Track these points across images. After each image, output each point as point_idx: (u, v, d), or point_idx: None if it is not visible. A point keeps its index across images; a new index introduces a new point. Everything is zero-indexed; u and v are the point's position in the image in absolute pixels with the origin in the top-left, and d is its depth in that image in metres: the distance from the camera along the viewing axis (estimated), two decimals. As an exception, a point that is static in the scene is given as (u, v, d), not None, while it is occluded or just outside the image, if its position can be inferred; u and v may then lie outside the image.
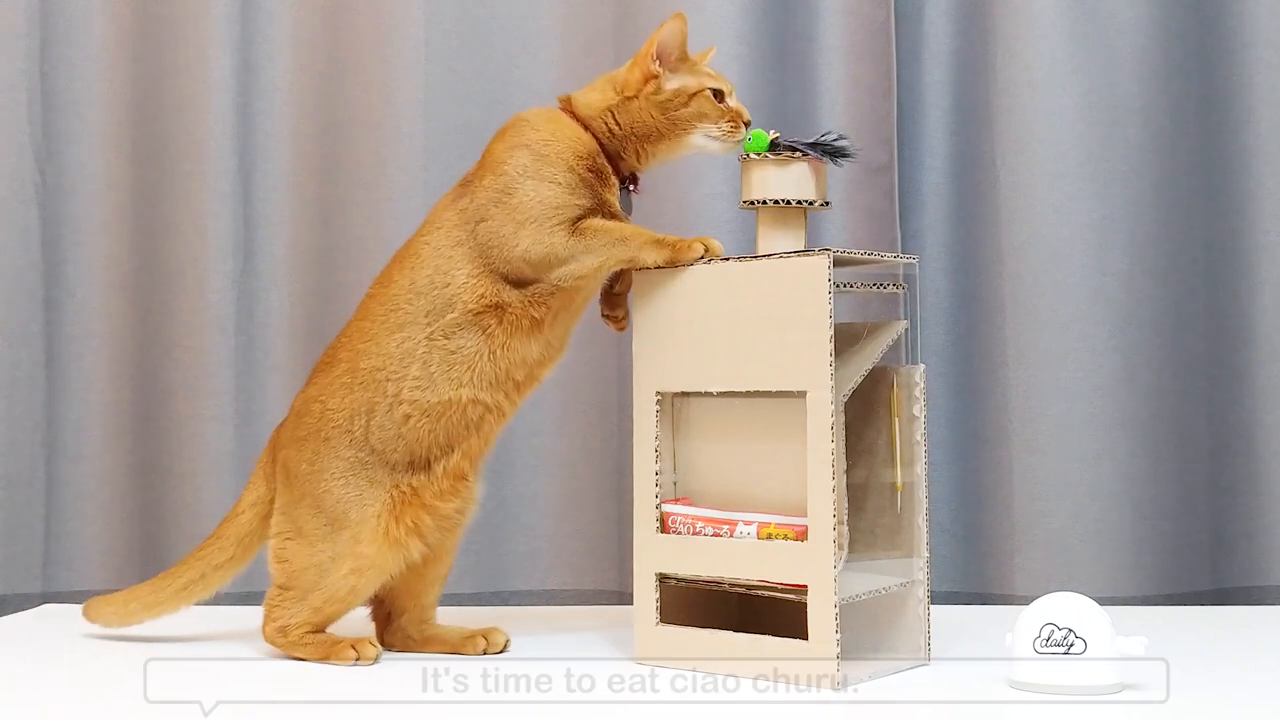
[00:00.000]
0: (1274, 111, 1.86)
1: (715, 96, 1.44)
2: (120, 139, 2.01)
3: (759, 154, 1.41)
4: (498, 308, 1.42)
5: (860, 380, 1.36)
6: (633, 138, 1.45)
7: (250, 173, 1.98)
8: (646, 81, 1.44)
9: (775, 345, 1.34)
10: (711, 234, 1.85)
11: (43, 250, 2.01)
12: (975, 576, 1.90)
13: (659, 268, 1.41)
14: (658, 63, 1.44)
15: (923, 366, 1.42)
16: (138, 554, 1.98)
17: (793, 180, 1.40)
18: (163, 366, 1.98)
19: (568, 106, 1.48)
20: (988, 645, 1.45)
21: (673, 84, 1.44)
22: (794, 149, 1.40)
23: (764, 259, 1.37)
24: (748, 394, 1.39)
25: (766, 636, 1.35)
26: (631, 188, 1.48)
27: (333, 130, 1.98)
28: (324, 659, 1.43)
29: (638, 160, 1.47)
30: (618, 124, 1.45)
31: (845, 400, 1.35)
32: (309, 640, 1.45)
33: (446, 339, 1.42)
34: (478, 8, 1.98)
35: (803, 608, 1.32)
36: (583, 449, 1.95)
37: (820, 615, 1.30)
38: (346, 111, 1.98)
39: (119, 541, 1.99)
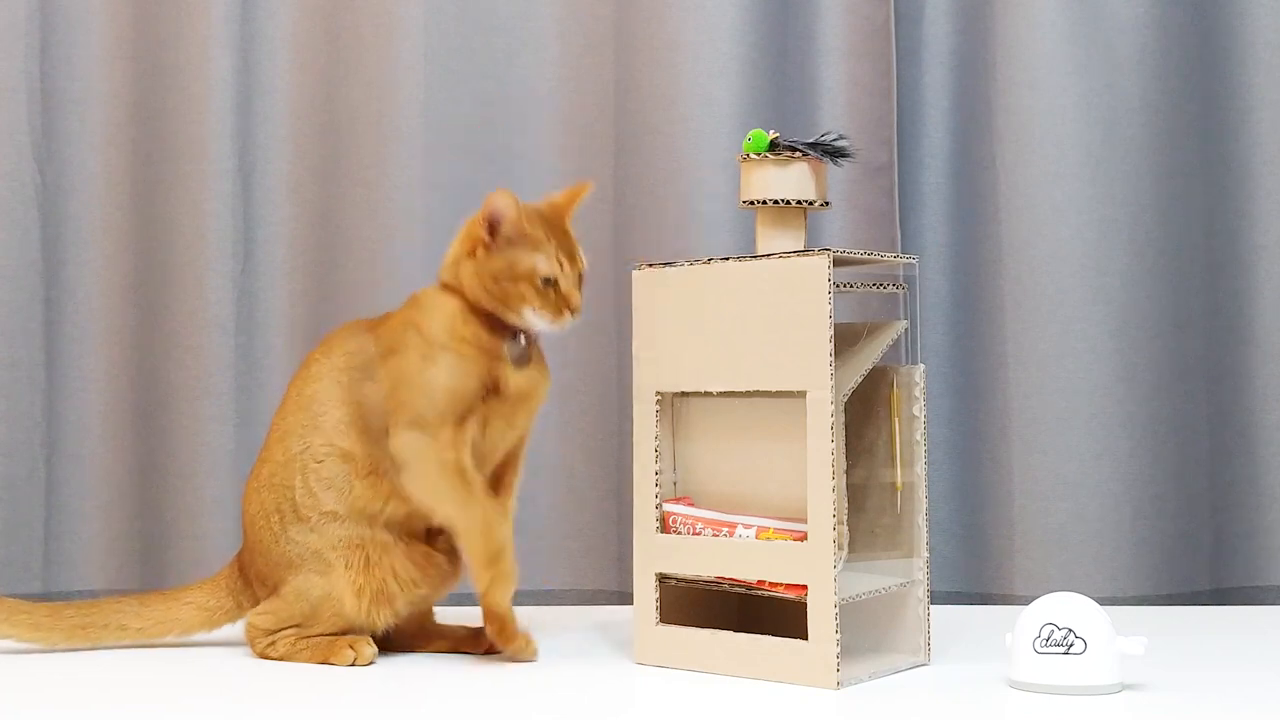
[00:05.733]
0: (1273, 112, 1.86)
1: (545, 283, 1.39)
2: (120, 139, 2.00)
3: (759, 154, 1.41)
4: (348, 455, 1.42)
5: (860, 380, 1.36)
6: (480, 298, 1.41)
7: (250, 172, 1.97)
8: (475, 248, 1.40)
9: (775, 345, 1.34)
10: (708, 233, 1.88)
11: (42, 250, 2.00)
12: (975, 576, 1.90)
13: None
14: (486, 230, 1.40)
15: (923, 366, 1.42)
16: (137, 554, 1.98)
17: (792, 180, 1.40)
18: (163, 366, 1.98)
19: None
20: (988, 645, 1.45)
21: (501, 259, 1.39)
22: (794, 149, 1.39)
23: (763, 259, 1.37)
24: (748, 394, 1.39)
25: (766, 636, 1.35)
26: (523, 338, 1.43)
27: (333, 130, 1.98)
28: (323, 661, 1.42)
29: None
30: (461, 283, 1.41)
31: (845, 400, 1.35)
32: (302, 646, 1.44)
33: (317, 462, 1.43)
34: (477, 8, 1.98)
35: (803, 608, 1.32)
36: (583, 449, 1.95)
37: (820, 615, 1.30)
38: (346, 111, 1.98)
39: (119, 541, 1.98)
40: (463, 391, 1.39)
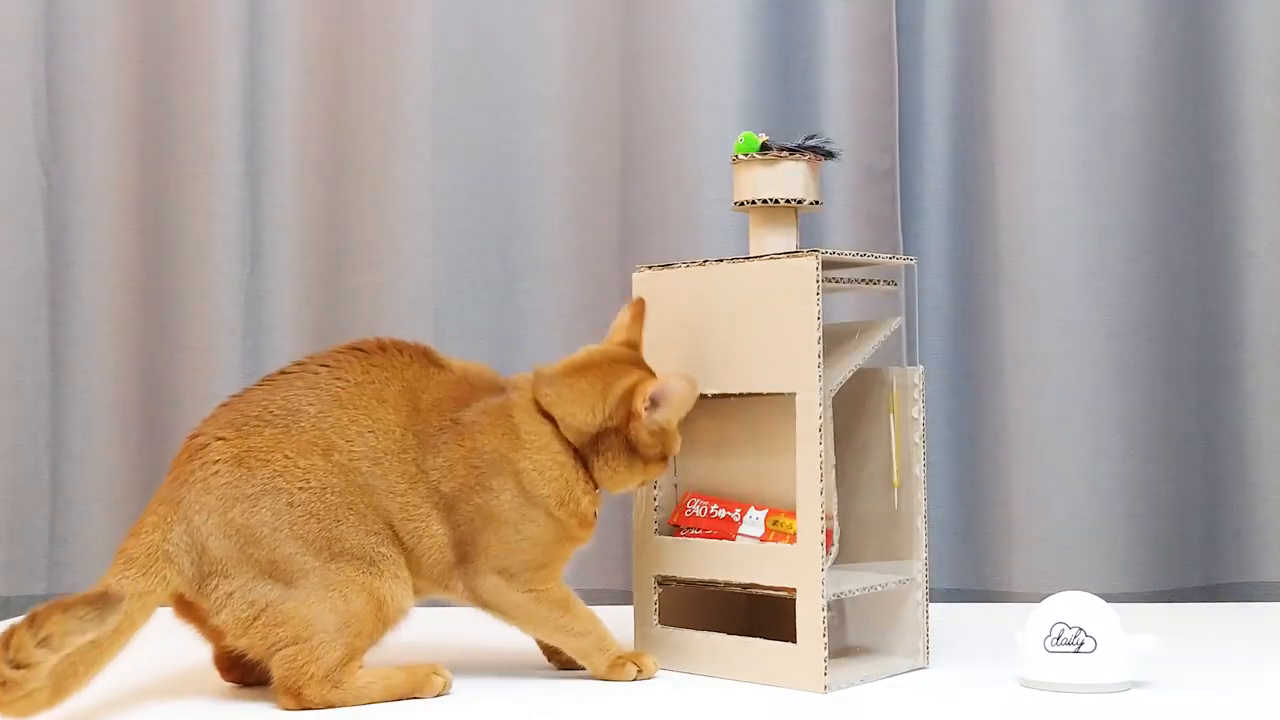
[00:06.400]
0: (1264, 121, 1.88)
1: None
2: (126, 142, 2.00)
3: (748, 155, 1.41)
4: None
5: (848, 378, 1.35)
6: (605, 467, 1.34)
7: (258, 176, 1.98)
8: (630, 421, 1.32)
9: (765, 347, 1.34)
10: (713, 237, 1.89)
11: (48, 253, 2.00)
12: (974, 574, 1.92)
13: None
14: (650, 409, 1.32)
15: (921, 368, 1.42)
16: (142, 555, 1.98)
17: (780, 179, 1.39)
18: (169, 369, 1.98)
19: (548, 411, 1.33)
20: (987, 644, 1.47)
21: (651, 432, 1.33)
22: (784, 150, 1.40)
23: (754, 260, 1.37)
24: (742, 395, 1.38)
25: (757, 639, 1.35)
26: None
27: (340, 134, 1.99)
28: (412, 693, 1.27)
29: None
30: (598, 452, 1.33)
31: (841, 399, 1.35)
32: (373, 677, 1.26)
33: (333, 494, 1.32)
34: (485, 13, 1.99)
35: (804, 608, 1.33)
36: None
37: (808, 617, 1.30)
38: (354, 116, 1.98)
39: (124, 543, 1.99)
40: (557, 549, 1.35)
